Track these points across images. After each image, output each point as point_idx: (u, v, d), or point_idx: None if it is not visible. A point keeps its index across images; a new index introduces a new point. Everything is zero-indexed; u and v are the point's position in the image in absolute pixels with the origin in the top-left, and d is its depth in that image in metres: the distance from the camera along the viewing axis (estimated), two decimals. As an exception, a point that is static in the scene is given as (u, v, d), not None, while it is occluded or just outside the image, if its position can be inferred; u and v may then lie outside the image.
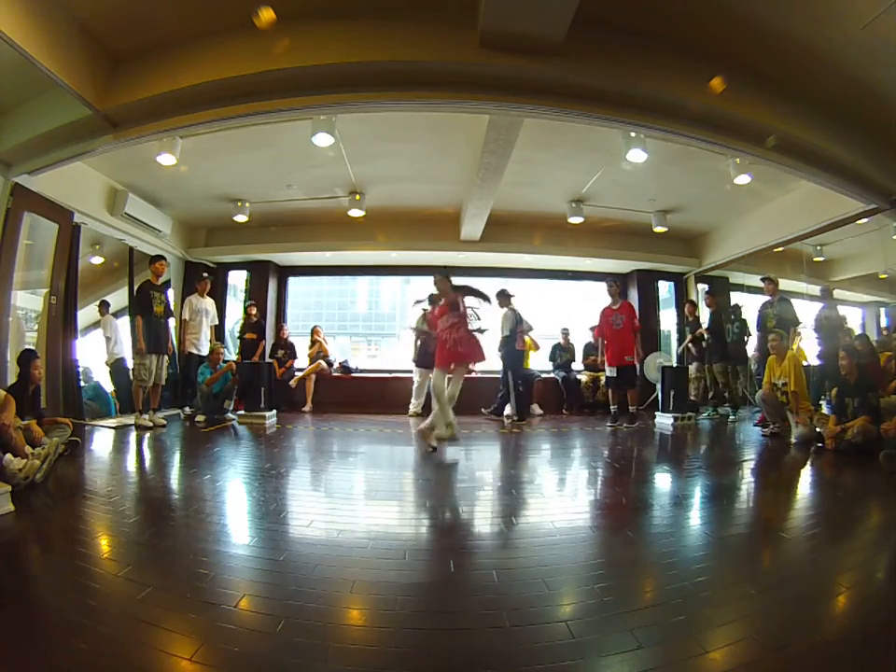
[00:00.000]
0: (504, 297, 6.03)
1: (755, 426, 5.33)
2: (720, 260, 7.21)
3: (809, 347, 6.12)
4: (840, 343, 5.11)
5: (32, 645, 1.29)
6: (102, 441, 4.30)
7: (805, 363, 5.48)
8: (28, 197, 4.31)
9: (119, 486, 2.92)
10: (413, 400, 6.32)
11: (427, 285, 7.07)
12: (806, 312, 6.03)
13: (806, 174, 4.36)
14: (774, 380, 4.76)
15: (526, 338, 6.83)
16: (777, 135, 3.87)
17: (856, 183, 4.48)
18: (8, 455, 2.57)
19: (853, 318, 7.44)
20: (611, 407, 5.62)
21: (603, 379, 6.82)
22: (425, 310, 5.80)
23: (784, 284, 6.17)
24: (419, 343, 6.13)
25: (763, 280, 5.73)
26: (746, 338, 6.03)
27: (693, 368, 6.55)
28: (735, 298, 7.63)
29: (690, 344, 6.66)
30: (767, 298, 5.65)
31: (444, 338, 4.11)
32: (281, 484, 3.07)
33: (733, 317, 6.09)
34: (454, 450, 4.05)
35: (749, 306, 6.41)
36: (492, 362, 5.61)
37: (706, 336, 6.31)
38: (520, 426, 5.60)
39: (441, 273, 4.40)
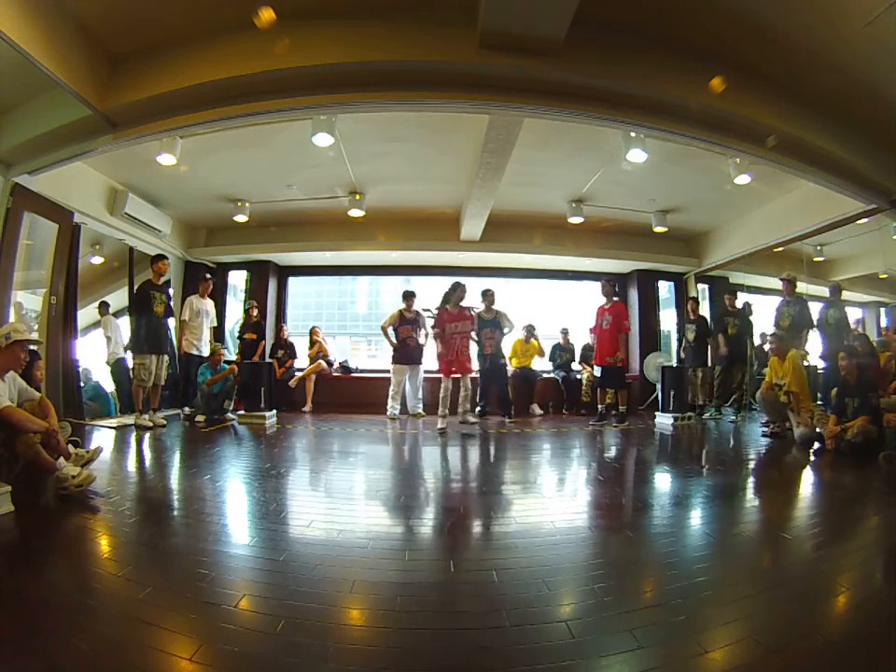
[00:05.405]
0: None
1: (761, 425, 5.32)
2: (720, 260, 7.20)
3: (814, 347, 6.07)
4: (846, 343, 5.08)
5: (32, 645, 1.28)
6: (102, 441, 4.30)
7: (805, 363, 5.46)
8: (28, 197, 4.30)
9: (119, 486, 2.91)
10: (390, 402, 5.98)
11: (426, 285, 7.09)
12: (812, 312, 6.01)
13: (806, 174, 4.35)
14: (776, 380, 4.75)
15: (533, 341, 6.92)
16: (776, 135, 3.86)
17: (856, 183, 4.48)
18: (62, 459, 2.59)
19: (855, 317, 7.40)
20: (599, 406, 5.78)
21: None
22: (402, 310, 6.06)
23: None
24: (404, 342, 6.06)
25: (782, 280, 5.64)
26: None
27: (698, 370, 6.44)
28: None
29: (721, 342, 6.20)
30: (781, 298, 5.61)
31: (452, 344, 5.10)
32: (281, 484, 3.08)
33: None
34: (454, 449, 4.04)
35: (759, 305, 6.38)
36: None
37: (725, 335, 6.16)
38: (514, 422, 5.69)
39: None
